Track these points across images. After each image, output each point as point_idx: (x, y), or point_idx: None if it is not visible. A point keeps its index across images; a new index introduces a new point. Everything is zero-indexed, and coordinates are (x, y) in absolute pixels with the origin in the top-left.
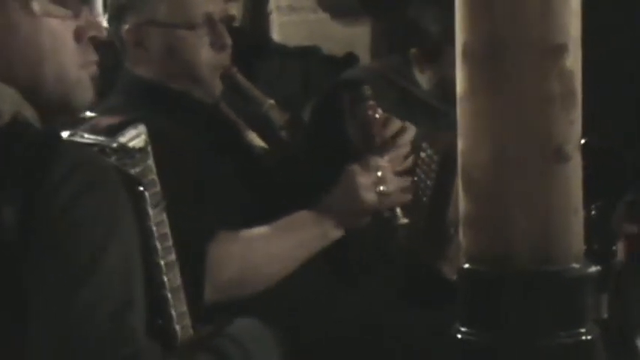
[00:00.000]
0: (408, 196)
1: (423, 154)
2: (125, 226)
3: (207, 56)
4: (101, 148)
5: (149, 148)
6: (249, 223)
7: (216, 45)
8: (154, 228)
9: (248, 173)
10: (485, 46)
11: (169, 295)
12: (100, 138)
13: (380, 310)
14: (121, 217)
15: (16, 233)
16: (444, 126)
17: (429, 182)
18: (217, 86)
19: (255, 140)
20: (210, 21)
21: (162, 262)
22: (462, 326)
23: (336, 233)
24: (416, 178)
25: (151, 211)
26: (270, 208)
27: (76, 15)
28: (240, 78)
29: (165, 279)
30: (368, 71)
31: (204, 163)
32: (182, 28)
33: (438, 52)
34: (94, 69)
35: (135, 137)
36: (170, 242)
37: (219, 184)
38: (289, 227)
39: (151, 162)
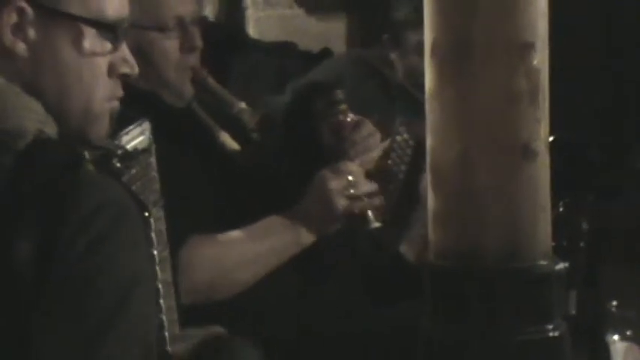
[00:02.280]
0: (378, 201)
1: (399, 138)
2: (144, 268)
3: (175, 58)
4: (106, 152)
5: (152, 147)
6: (222, 226)
7: (186, 47)
8: (155, 252)
9: (220, 175)
10: (453, 44)
11: (164, 318)
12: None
13: (349, 306)
14: (141, 260)
15: (30, 269)
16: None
17: (402, 167)
18: (187, 88)
19: (228, 141)
20: (181, 23)
21: (160, 286)
22: (429, 322)
23: (309, 239)
24: (390, 162)
25: (153, 236)
26: (243, 211)
27: (115, 50)
28: (211, 82)
29: (162, 302)
30: (348, 57)
31: (175, 164)
32: (153, 30)
33: (402, 37)
34: (116, 105)
35: (138, 135)
36: (165, 238)
37: (191, 186)
38: (261, 233)
39: (152, 159)
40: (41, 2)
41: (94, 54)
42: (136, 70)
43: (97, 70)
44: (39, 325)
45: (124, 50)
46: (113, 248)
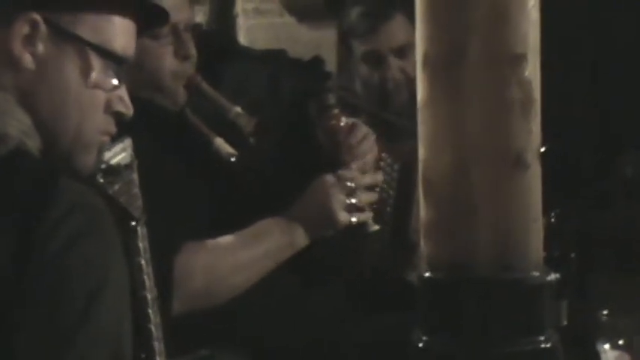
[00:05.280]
0: (371, 213)
1: (382, 164)
2: (118, 271)
3: (170, 65)
4: None
5: (134, 164)
6: (217, 232)
7: (180, 54)
8: (143, 261)
9: (216, 181)
10: (445, 56)
11: (153, 329)
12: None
13: (344, 317)
14: (114, 262)
15: (10, 269)
16: (395, 137)
17: (391, 192)
18: (181, 95)
19: (223, 146)
20: (175, 31)
21: (148, 296)
22: (423, 334)
23: (303, 242)
24: (378, 189)
25: (141, 245)
26: (238, 216)
27: (118, 87)
28: (206, 87)
29: (150, 312)
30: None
31: (169, 171)
32: (147, 37)
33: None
34: (106, 140)
35: (121, 152)
36: (149, 254)
37: (186, 192)
38: (256, 236)
39: (135, 176)
40: (55, 20)
41: (97, 86)
42: (131, 111)
43: (96, 102)
44: (16, 324)
45: (123, 90)
46: (85, 249)
